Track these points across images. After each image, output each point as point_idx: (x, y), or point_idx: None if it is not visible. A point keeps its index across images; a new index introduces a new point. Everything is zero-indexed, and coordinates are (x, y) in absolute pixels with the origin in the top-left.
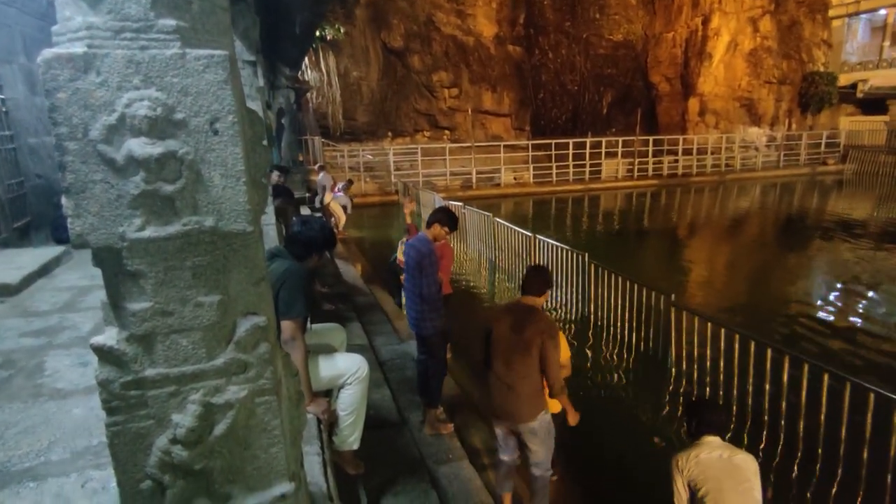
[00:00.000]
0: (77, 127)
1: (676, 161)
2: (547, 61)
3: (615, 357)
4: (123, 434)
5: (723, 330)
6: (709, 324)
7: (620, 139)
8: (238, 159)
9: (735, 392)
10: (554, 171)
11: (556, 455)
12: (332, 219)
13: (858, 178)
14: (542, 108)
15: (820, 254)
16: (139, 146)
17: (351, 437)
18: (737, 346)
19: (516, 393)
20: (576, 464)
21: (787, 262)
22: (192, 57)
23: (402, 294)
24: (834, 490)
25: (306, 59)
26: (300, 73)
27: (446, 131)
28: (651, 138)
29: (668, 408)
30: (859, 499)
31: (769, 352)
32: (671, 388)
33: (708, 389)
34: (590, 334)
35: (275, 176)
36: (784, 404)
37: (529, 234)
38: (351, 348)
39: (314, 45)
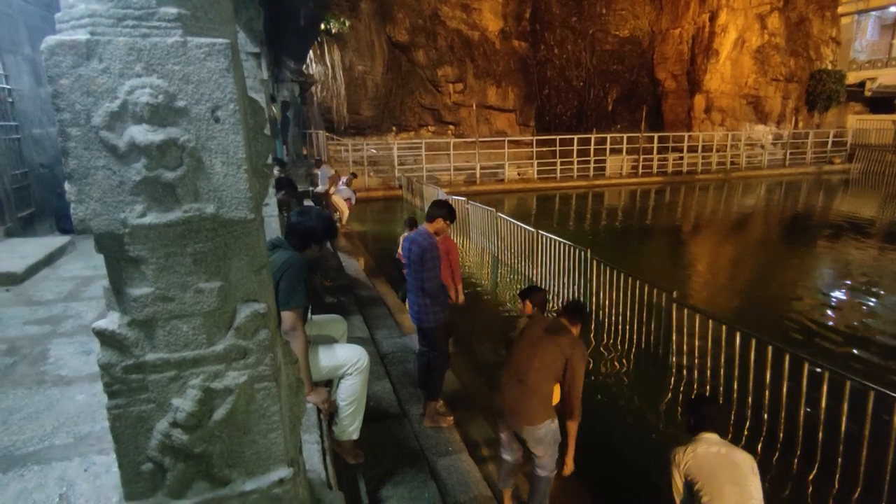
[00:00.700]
0: (80, 113)
1: (681, 158)
2: (552, 57)
3: (616, 353)
4: (124, 417)
5: (724, 327)
6: (710, 321)
7: (625, 136)
8: (239, 147)
9: (736, 389)
10: (558, 166)
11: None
12: (336, 213)
13: (865, 177)
14: (547, 103)
15: (825, 253)
16: (141, 133)
17: (351, 427)
18: (738, 343)
19: (527, 388)
20: (576, 459)
21: (792, 260)
22: (194, 45)
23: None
24: (834, 489)
25: (311, 52)
26: (305, 66)
27: (451, 126)
28: (656, 135)
29: (668, 404)
30: (855, 496)
31: (769, 349)
32: (672, 384)
33: (709, 386)
34: (591, 330)
35: (275, 170)
36: (784, 402)
37: (532, 229)
38: (352, 341)
39: (319, 39)
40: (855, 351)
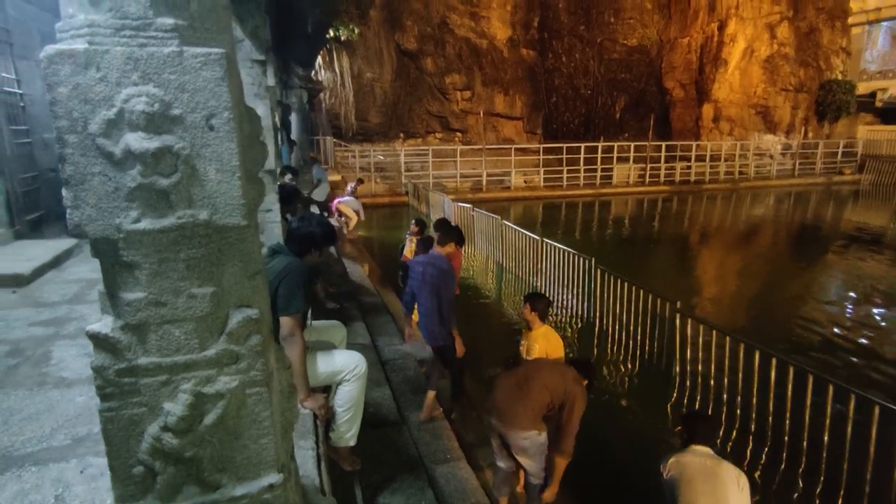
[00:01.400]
0: (77, 121)
1: (689, 167)
2: (560, 65)
3: (619, 362)
4: (116, 420)
5: (727, 338)
6: (714, 332)
7: (633, 144)
8: (233, 155)
9: (739, 401)
10: (565, 175)
11: None
12: (343, 218)
13: (876, 188)
14: (555, 111)
15: (834, 265)
16: (136, 140)
17: (347, 433)
18: (741, 354)
19: (524, 395)
20: (576, 468)
21: (800, 272)
22: (190, 55)
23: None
24: None
25: (320, 59)
26: (313, 72)
27: (458, 133)
28: (664, 144)
29: (671, 415)
30: None
31: (774, 361)
32: (675, 395)
33: (712, 397)
34: (594, 339)
35: (287, 177)
36: (788, 415)
37: (537, 237)
38: (353, 347)
39: (328, 46)
40: (863, 363)
